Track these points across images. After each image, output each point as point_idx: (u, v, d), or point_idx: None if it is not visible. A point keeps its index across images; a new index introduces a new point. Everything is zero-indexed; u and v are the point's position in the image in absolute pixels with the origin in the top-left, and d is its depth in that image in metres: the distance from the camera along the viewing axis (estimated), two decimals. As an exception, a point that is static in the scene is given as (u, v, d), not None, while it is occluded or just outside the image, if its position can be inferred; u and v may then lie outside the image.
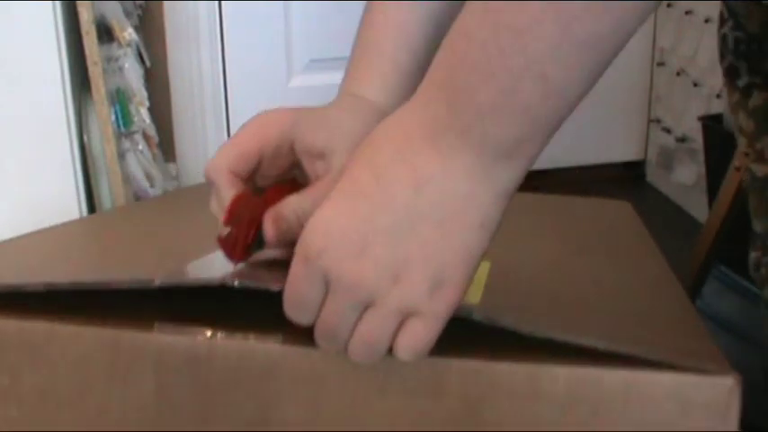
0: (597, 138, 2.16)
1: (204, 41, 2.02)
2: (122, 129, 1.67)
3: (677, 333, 0.53)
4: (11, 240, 0.73)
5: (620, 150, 2.20)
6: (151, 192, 1.77)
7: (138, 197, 1.74)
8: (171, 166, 2.05)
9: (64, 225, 0.82)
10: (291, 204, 0.51)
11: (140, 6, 1.91)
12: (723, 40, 0.62)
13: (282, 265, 0.46)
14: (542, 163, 2.12)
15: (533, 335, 0.46)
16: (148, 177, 1.77)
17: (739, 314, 1.25)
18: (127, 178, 1.67)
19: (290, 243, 0.48)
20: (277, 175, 0.55)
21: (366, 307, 0.43)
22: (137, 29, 1.78)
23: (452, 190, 0.41)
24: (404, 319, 0.43)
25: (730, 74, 0.62)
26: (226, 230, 0.52)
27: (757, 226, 0.65)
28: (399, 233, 0.42)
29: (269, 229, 0.50)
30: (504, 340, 0.47)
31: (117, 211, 1.30)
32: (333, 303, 0.43)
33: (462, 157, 0.41)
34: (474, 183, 0.41)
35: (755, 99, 0.61)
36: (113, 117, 1.62)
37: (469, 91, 0.40)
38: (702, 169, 1.84)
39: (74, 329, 0.51)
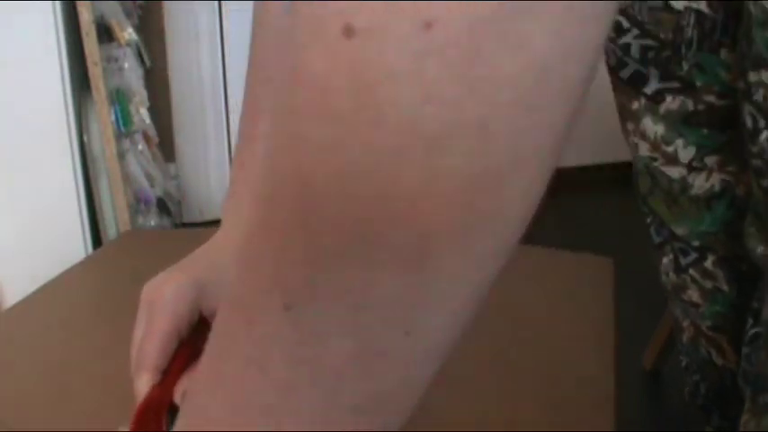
0: (597, 138, 2.16)
1: (204, 41, 2.02)
2: (122, 129, 1.67)
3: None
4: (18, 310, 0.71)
5: (620, 150, 2.20)
6: (151, 192, 1.77)
7: (137, 197, 1.74)
8: (171, 166, 2.05)
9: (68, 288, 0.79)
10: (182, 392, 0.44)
11: (140, 6, 1.91)
12: (625, 49, 0.62)
13: None
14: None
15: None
16: (148, 177, 1.77)
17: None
18: (127, 178, 1.67)
19: None
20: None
21: None
22: (137, 29, 1.79)
23: None
24: None
25: (635, 81, 0.63)
26: None
27: (678, 229, 0.66)
28: None
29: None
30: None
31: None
32: None
33: None
34: None
35: (669, 103, 0.62)
36: (113, 117, 1.62)
37: None
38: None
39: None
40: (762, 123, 0.53)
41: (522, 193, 0.21)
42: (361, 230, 0.21)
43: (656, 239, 0.70)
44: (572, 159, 2.12)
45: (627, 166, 2.57)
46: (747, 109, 0.54)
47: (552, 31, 0.18)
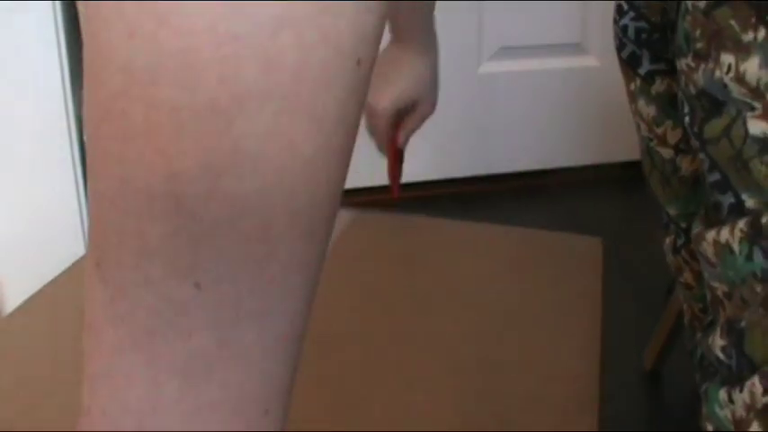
0: (597, 138, 2.16)
1: (204, 41, 2.02)
2: (122, 129, 1.67)
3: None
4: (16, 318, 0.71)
5: (620, 150, 2.20)
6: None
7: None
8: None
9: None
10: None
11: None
12: (624, 30, 0.65)
13: None
14: (543, 163, 2.14)
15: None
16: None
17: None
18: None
19: None
20: None
21: None
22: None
23: None
24: None
25: (632, 62, 0.65)
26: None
27: (671, 210, 0.68)
28: None
29: None
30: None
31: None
32: None
33: None
34: None
35: (658, 85, 0.64)
36: (113, 117, 1.62)
37: None
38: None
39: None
40: (686, 109, 0.55)
41: (265, 135, 0.21)
42: (118, 175, 0.21)
43: (665, 219, 0.71)
44: (572, 159, 2.12)
45: (627, 166, 2.58)
46: (679, 95, 0.56)
47: None
